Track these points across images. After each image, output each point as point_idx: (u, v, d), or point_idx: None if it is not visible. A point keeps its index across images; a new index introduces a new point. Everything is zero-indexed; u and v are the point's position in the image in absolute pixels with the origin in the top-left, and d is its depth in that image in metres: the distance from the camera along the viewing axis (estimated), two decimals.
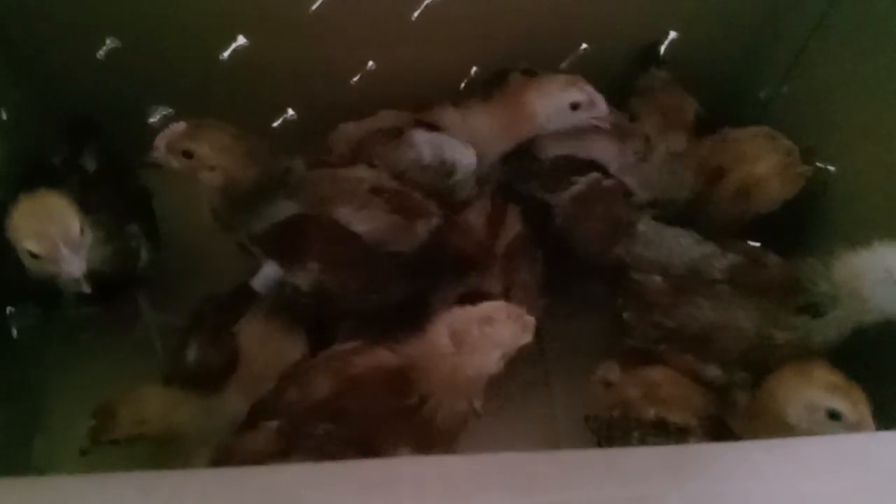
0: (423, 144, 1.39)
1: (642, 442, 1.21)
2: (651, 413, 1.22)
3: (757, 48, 1.58)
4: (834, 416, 1.07)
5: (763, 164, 1.38)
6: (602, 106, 1.37)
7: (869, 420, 1.05)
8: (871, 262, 1.12)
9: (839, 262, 1.16)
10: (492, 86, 1.46)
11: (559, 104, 1.36)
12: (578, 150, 1.44)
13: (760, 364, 1.21)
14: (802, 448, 0.85)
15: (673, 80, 1.53)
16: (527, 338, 1.13)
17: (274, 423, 1.15)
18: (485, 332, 1.11)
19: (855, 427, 1.05)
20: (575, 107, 1.36)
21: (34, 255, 1.14)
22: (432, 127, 1.41)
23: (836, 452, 0.83)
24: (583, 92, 1.36)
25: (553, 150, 1.45)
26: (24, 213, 1.14)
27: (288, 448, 1.12)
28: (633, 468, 0.81)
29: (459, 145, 1.40)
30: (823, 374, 1.10)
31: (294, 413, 1.15)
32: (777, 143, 1.38)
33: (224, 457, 1.18)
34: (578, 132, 1.42)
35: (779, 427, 1.12)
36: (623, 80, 1.49)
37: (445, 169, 1.39)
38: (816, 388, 1.09)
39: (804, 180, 1.37)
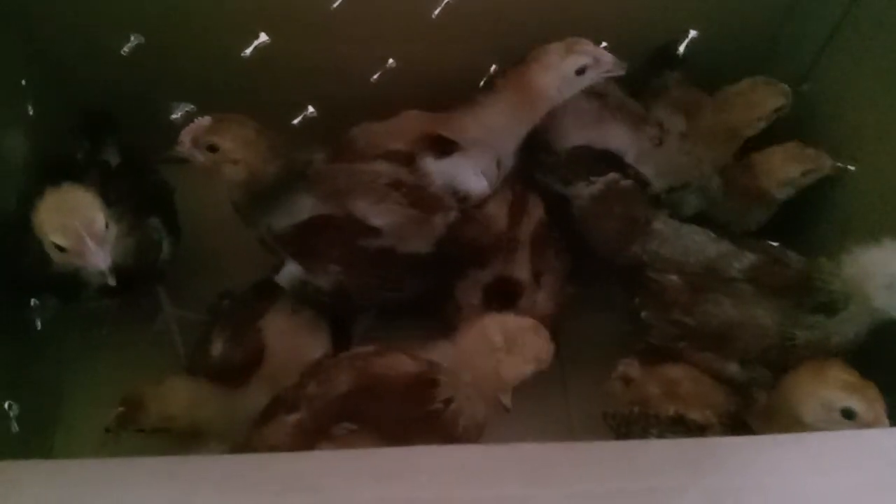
0: (435, 175, 1.37)
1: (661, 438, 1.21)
2: (670, 410, 1.22)
3: (775, 46, 1.58)
4: (849, 415, 1.06)
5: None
6: (607, 58, 1.31)
7: (884, 419, 1.05)
8: (878, 264, 1.13)
9: (849, 259, 1.17)
10: (493, 78, 1.42)
11: (564, 74, 1.32)
12: (595, 139, 1.44)
13: (780, 362, 1.20)
14: (817, 443, 0.86)
15: (686, 80, 1.52)
16: (543, 364, 1.19)
17: (292, 417, 1.16)
18: (534, 340, 1.18)
19: (870, 426, 1.05)
20: (581, 71, 1.32)
21: (60, 249, 1.15)
22: (445, 142, 1.39)
23: (851, 448, 0.83)
24: (583, 54, 1.31)
25: (569, 141, 1.44)
26: (50, 208, 1.15)
27: (306, 443, 1.13)
28: (649, 461, 0.81)
29: (471, 173, 1.38)
30: (838, 374, 1.09)
31: (314, 408, 1.16)
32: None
33: (242, 450, 1.19)
34: (594, 121, 1.43)
35: (795, 426, 1.11)
36: (637, 79, 1.48)
37: (458, 197, 1.38)
38: (831, 388, 1.08)
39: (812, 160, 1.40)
